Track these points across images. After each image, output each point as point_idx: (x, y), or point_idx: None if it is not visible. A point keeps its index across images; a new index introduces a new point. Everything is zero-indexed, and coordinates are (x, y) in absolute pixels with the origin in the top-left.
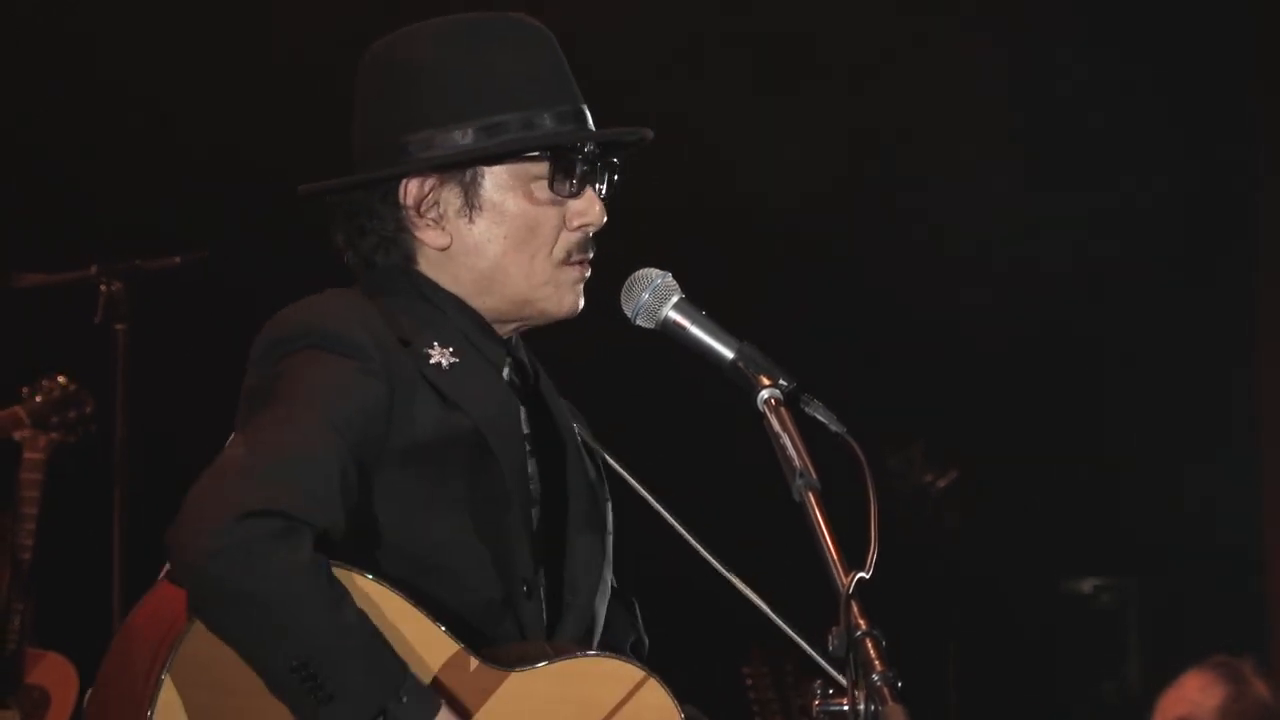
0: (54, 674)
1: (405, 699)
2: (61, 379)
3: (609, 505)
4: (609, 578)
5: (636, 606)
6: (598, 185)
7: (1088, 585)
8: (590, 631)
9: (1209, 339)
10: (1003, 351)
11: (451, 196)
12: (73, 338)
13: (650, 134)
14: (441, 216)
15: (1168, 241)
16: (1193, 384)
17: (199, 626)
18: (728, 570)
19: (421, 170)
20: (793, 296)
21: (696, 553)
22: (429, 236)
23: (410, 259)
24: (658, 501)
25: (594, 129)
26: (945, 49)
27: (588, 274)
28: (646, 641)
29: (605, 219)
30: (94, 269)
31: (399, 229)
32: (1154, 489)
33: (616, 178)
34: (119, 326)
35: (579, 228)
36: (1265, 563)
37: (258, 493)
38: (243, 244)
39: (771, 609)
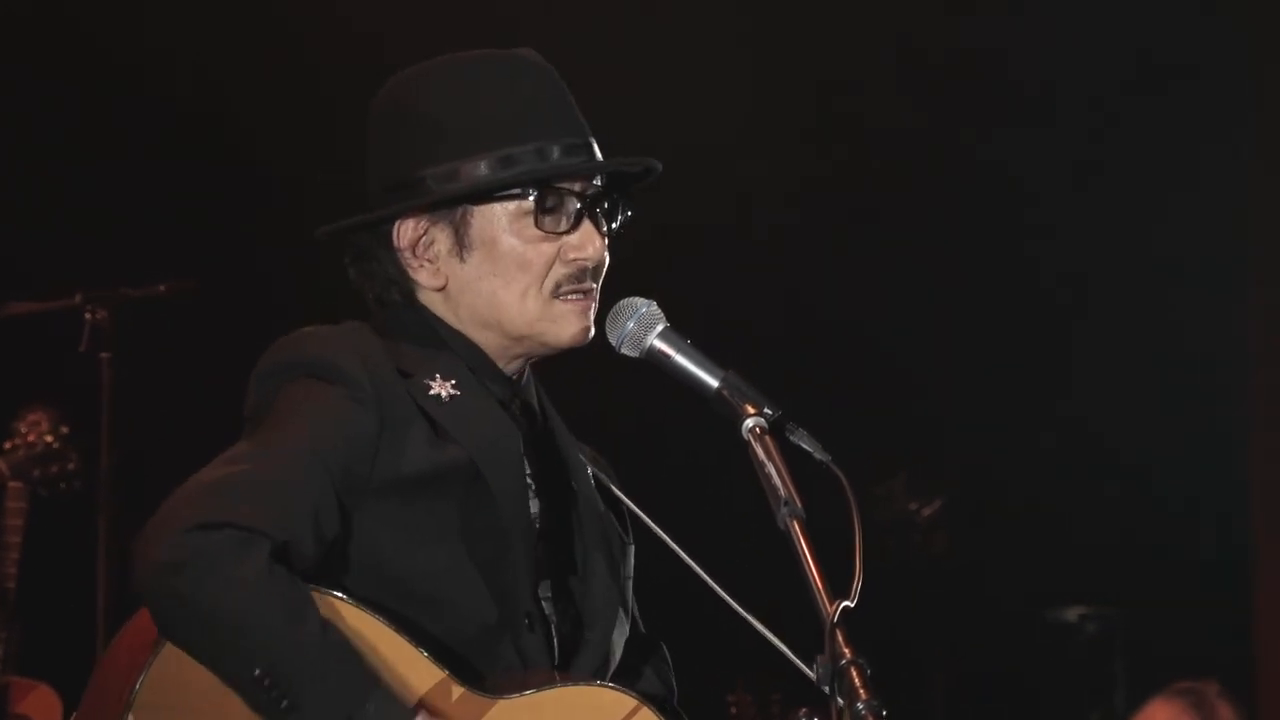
0: (39, 704)
1: (371, 707)
2: (49, 437)
3: (630, 550)
4: (627, 621)
5: (666, 651)
6: (604, 219)
7: (1073, 614)
8: (605, 666)
9: (1198, 364)
10: (986, 379)
11: (443, 236)
12: (57, 366)
13: (658, 166)
14: (436, 257)
15: (1154, 258)
16: (1180, 411)
17: (168, 648)
18: (748, 613)
19: (411, 213)
20: (778, 326)
21: (684, 581)
22: (424, 277)
23: (412, 298)
24: (659, 534)
25: (600, 161)
26: None
27: (592, 305)
28: (675, 690)
29: (605, 255)
30: (79, 297)
31: (397, 270)
32: (1140, 517)
33: (628, 212)
34: (104, 355)
35: (573, 260)
36: (1253, 591)
37: (211, 507)
38: (227, 272)
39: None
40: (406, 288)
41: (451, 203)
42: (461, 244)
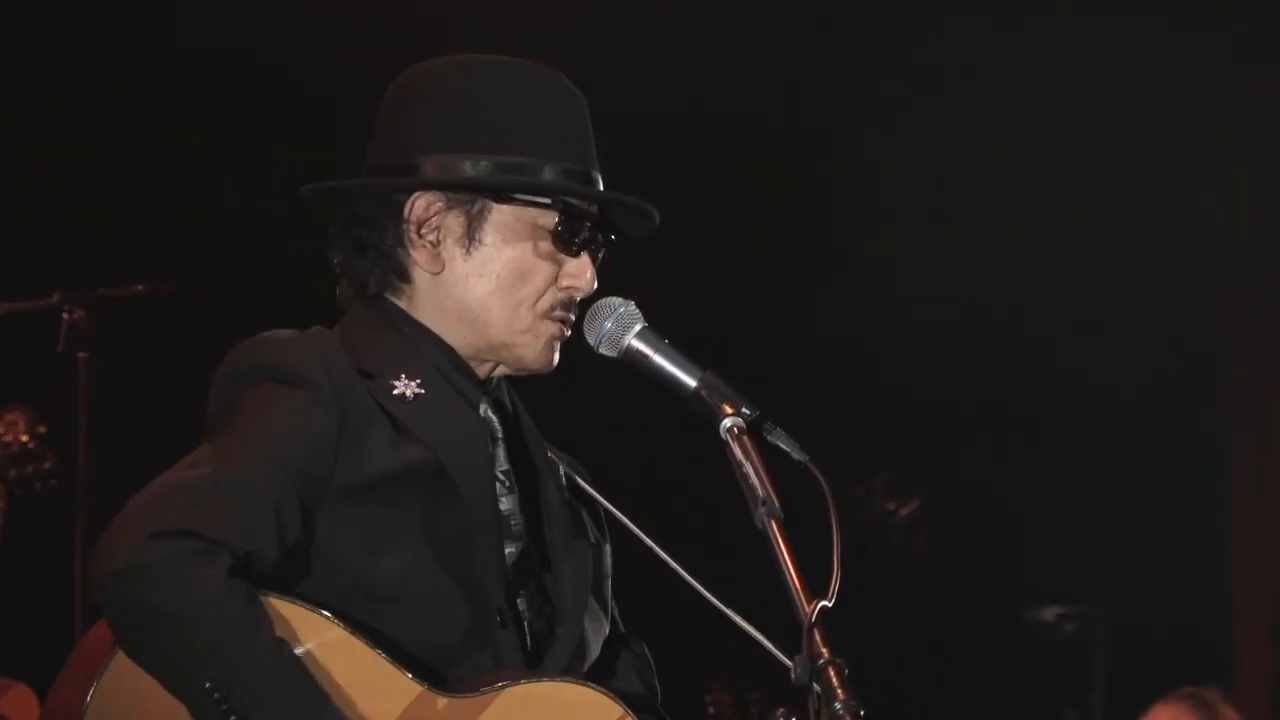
0: (17, 704)
1: None
2: (24, 437)
3: (607, 550)
4: (605, 619)
5: (648, 651)
6: (594, 253)
7: (1050, 614)
8: (578, 661)
9: (1177, 365)
10: (966, 380)
11: (454, 223)
12: (34, 366)
13: (657, 218)
14: (440, 241)
15: (1133, 275)
16: (1159, 409)
17: (118, 661)
18: (730, 610)
19: (432, 188)
20: (758, 325)
21: (662, 580)
22: (422, 257)
23: (403, 276)
24: (637, 534)
25: (622, 195)
26: None
27: (567, 334)
28: (659, 691)
29: (594, 288)
30: (56, 297)
31: (396, 243)
32: (1117, 518)
33: (604, 253)
34: (81, 355)
35: (566, 288)
36: (1230, 592)
37: (173, 514)
38: (206, 272)
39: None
40: (399, 265)
41: (475, 191)
42: (471, 236)
